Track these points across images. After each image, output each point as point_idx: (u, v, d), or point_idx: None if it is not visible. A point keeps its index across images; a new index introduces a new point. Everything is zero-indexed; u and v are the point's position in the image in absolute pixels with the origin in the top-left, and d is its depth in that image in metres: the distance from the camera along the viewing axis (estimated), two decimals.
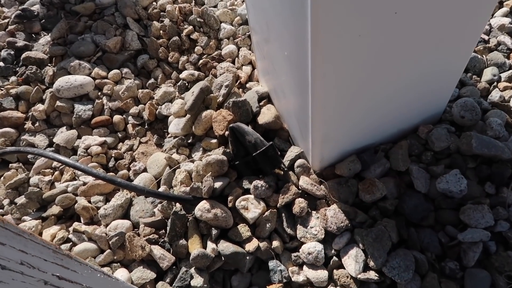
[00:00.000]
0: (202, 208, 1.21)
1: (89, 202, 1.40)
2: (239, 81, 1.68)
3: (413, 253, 1.11)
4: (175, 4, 1.91)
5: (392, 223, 1.16)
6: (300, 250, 1.19)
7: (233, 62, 1.78)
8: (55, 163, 1.55)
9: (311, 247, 1.16)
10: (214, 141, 1.46)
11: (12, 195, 1.48)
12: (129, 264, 1.27)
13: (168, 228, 1.24)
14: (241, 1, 1.97)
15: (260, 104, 1.49)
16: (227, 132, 1.36)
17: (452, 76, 1.19)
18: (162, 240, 1.27)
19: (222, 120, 1.41)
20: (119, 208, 1.36)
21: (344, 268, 1.14)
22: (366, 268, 1.13)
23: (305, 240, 1.19)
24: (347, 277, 1.13)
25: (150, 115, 1.65)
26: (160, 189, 1.41)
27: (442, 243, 1.15)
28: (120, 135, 1.65)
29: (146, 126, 1.68)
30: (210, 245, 1.19)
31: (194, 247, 1.21)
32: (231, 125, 1.28)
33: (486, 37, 1.62)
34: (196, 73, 1.73)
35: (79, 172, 1.51)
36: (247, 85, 1.68)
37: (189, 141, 1.53)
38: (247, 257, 1.17)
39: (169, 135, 1.61)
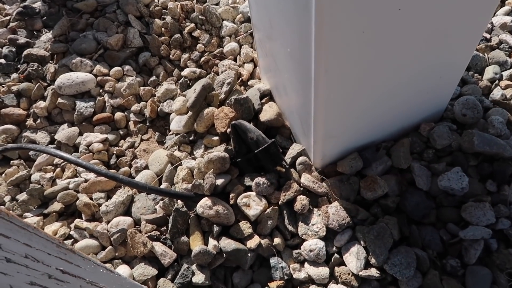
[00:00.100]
0: (203, 205, 1.21)
1: (91, 199, 1.41)
2: (241, 78, 1.68)
3: (414, 250, 1.12)
4: (177, 2, 1.91)
5: (393, 220, 1.16)
6: (301, 247, 1.19)
7: (235, 60, 1.78)
8: (56, 160, 1.55)
9: (313, 244, 1.17)
10: (216, 138, 1.46)
11: (13, 192, 1.48)
12: (130, 261, 1.27)
13: (169, 225, 1.24)
14: None
15: (262, 101, 1.49)
16: (229, 129, 1.36)
17: (454, 74, 1.19)
18: (164, 237, 1.27)
19: (224, 117, 1.41)
20: (121, 205, 1.36)
21: (346, 265, 1.15)
22: (367, 265, 1.13)
23: (307, 237, 1.19)
24: (349, 274, 1.13)
25: (152, 112, 1.65)
26: (162, 186, 1.41)
27: (444, 241, 1.15)
28: (121, 132, 1.65)
29: (147, 123, 1.68)
30: (212, 242, 1.20)
31: (196, 244, 1.21)
32: (233, 122, 1.28)
33: (488, 36, 1.62)
34: (198, 70, 1.73)
35: (81, 169, 1.51)
36: (249, 83, 1.68)
37: (191, 138, 1.53)
38: (249, 254, 1.18)
39: (171, 132, 1.62)
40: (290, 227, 1.22)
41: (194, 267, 1.19)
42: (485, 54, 1.56)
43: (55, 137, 1.61)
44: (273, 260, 1.18)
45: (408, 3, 0.83)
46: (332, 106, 1.03)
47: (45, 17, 1.88)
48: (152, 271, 1.21)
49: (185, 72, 1.73)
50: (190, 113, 1.52)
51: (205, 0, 1.98)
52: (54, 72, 1.71)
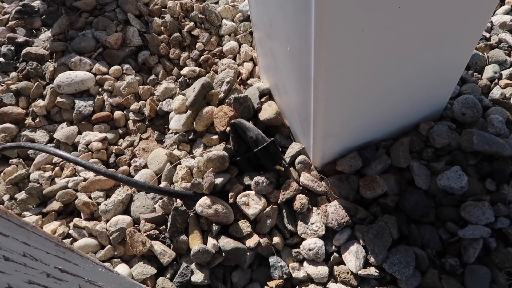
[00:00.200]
0: (203, 204, 1.21)
1: (90, 197, 1.40)
2: (240, 77, 1.68)
3: (413, 249, 1.12)
4: (176, 0, 1.90)
5: (392, 219, 1.16)
6: (300, 246, 1.19)
7: (234, 59, 1.78)
8: (55, 159, 1.55)
9: (312, 243, 1.17)
10: (215, 137, 1.46)
11: (12, 191, 1.48)
12: (129, 260, 1.27)
13: (168, 223, 1.24)
14: None
15: (262, 100, 1.49)
16: (228, 128, 1.36)
17: (454, 73, 1.19)
18: (163, 235, 1.27)
19: (223, 116, 1.41)
20: (120, 204, 1.36)
21: (345, 264, 1.15)
22: (366, 264, 1.13)
23: (306, 236, 1.19)
24: (348, 273, 1.13)
25: (151, 111, 1.65)
26: (161, 185, 1.41)
27: (443, 240, 1.15)
28: (120, 131, 1.65)
29: (147, 122, 1.68)
30: (211, 241, 1.20)
31: (195, 242, 1.21)
32: (232, 121, 1.28)
33: (487, 35, 1.62)
34: (197, 69, 1.73)
35: (80, 168, 1.51)
36: (248, 82, 1.67)
37: (190, 137, 1.53)
38: (248, 253, 1.17)
39: (170, 131, 1.61)
40: (289, 226, 1.22)
41: (193, 266, 1.19)
42: (485, 53, 1.56)
43: (54, 136, 1.60)
44: (272, 259, 1.18)
45: (407, 2, 0.82)
46: (332, 105, 1.03)
47: (44, 16, 1.87)
48: (151, 270, 1.21)
49: (184, 71, 1.73)
50: (189, 112, 1.52)
51: None
52: (53, 70, 1.70)
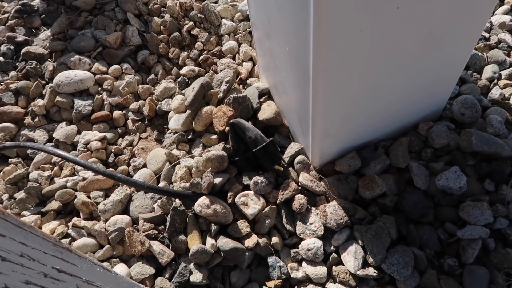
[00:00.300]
0: (201, 204, 1.21)
1: (89, 197, 1.40)
2: (239, 77, 1.68)
3: (412, 250, 1.12)
4: (175, 0, 1.90)
5: (391, 219, 1.16)
6: (299, 246, 1.19)
7: (233, 58, 1.78)
8: (54, 158, 1.55)
9: (311, 243, 1.17)
10: (214, 137, 1.46)
11: (11, 190, 1.48)
12: (128, 260, 1.27)
13: (167, 223, 1.24)
14: None
15: (261, 100, 1.48)
16: (227, 128, 1.36)
17: (453, 73, 1.19)
18: (162, 235, 1.27)
19: (223, 116, 1.40)
20: (119, 204, 1.36)
21: (343, 265, 1.15)
22: (365, 264, 1.13)
23: (305, 236, 1.19)
24: (346, 273, 1.13)
25: (150, 110, 1.65)
26: (160, 185, 1.41)
27: (441, 240, 1.15)
28: (120, 131, 1.65)
29: (146, 122, 1.67)
30: (210, 241, 1.20)
31: (194, 242, 1.21)
32: (231, 121, 1.28)
33: (486, 35, 1.62)
34: (197, 69, 1.73)
35: (79, 168, 1.51)
36: (248, 81, 1.67)
37: (189, 137, 1.53)
38: (246, 253, 1.17)
39: (169, 131, 1.61)
40: (288, 226, 1.22)
41: (191, 266, 1.19)
42: (484, 53, 1.56)
43: (53, 135, 1.60)
44: (271, 259, 1.18)
45: (406, 2, 0.82)
46: (331, 104, 1.03)
47: (43, 15, 1.87)
48: (149, 270, 1.21)
49: (183, 70, 1.72)
50: (188, 111, 1.52)
51: None
52: (52, 70, 1.70)
